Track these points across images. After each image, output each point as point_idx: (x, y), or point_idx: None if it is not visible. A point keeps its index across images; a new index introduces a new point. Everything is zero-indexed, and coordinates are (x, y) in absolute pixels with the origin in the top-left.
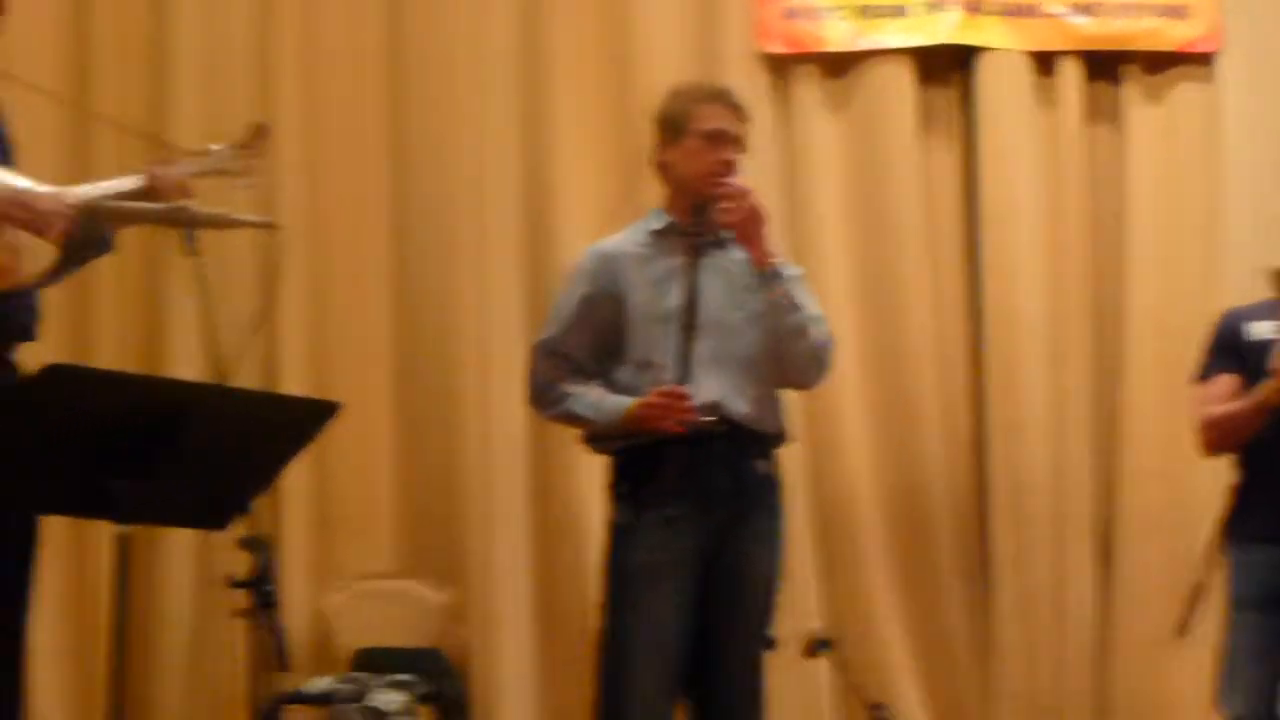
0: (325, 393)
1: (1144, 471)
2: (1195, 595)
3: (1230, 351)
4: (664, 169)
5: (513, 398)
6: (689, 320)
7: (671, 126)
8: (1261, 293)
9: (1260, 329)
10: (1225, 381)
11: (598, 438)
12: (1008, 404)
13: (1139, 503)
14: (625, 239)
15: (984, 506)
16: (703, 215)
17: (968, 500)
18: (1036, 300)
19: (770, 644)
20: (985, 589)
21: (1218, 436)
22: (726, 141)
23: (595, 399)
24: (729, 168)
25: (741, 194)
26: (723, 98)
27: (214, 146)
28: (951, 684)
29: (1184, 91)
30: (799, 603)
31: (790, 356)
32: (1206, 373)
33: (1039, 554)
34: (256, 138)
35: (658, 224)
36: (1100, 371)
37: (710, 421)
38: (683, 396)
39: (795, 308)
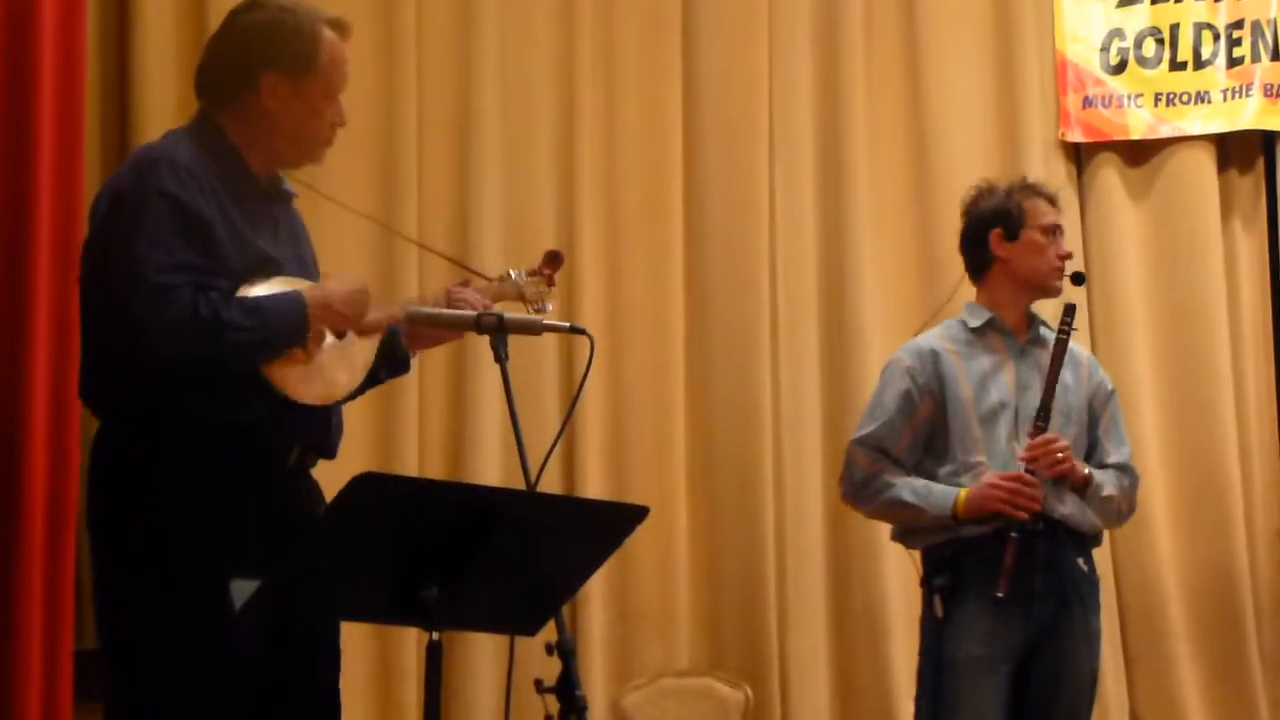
0: (624, 491)
1: None
2: None
3: None
4: (998, 264)
5: (810, 492)
6: (1043, 418)
7: (1009, 221)
8: None
9: None
10: None
11: (913, 531)
12: None
13: None
14: (941, 335)
15: None
16: (1071, 315)
17: (1276, 591)
18: None
19: None
20: None
21: None
22: (1060, 235)
23: (922, 486)
24: (1069, 260)
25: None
26: (1048, 192)
27: (511, 272)
28: None
29: None
30: (1107, 695)
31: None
32: None
33: None
34: (551, 265)
35: (975, 320)
36: None
37: (1031, 522)
38: (1033, 484)
39: (1105, 502)
